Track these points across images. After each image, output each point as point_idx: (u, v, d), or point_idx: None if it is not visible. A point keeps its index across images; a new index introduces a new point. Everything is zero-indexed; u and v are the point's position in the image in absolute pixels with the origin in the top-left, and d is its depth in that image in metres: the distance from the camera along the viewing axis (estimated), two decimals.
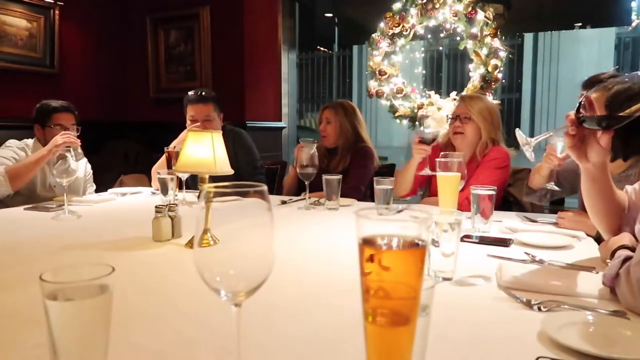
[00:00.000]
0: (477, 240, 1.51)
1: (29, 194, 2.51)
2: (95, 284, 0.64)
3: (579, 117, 1.12)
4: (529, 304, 0.95)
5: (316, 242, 1.58)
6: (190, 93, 2.74)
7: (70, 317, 0.62)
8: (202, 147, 1.38)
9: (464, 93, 3.56)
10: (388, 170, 2.88)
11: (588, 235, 1.58)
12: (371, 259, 0.49)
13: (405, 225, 0.50)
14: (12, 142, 2.55)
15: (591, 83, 1.72)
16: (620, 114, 1.07)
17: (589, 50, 10.95)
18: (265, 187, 0.62)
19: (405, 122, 3.88)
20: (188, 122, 2.70)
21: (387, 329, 0.50)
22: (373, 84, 3.95)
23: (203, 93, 2.70)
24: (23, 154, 2.51)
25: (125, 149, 4.12)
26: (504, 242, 1.48)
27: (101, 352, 0.65)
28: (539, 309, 0.93)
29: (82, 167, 2.67)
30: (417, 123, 3.78)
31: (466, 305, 0.99)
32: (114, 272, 0.65)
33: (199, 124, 2.60)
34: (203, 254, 0.61)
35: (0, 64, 3.59)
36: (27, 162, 2.31)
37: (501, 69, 3.63)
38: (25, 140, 2.59)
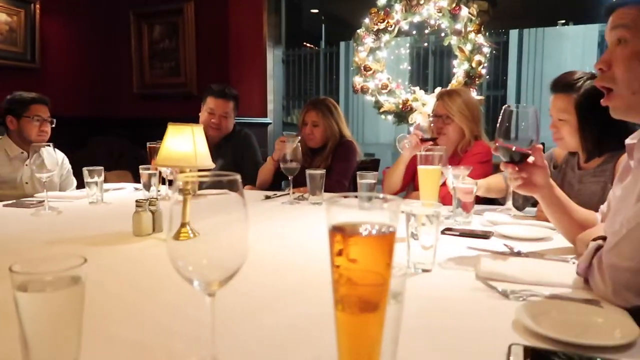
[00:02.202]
0: (458, 234, 1.52)
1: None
2: (67, 275, 0.63)
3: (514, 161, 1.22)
4: (505, 294, 0.96)
5: (299, 235, 1.59)
6: (214, 86, 2.85)
7: (41, 309, 0.62)
8: (183, 141, 1.37)
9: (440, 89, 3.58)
10: (372, 165, 2.89)
11: None
12: (340, 246, 0.49)
13: (374, 212, 0.50)
14: None
15: (562, 86, 1.71)
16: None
17: (573, 47, 11.06)
18: (238, 176, 0.62)
19: (390, 117, 3.89)
20: (204, 113, 2.79)
21: (356, 316, 0.50)
22: (358, 80, 3.95)
23: (227, 90, 2.83)
24: None
25: (109, 145, 4.07)
26: (484, 235, 1.50)
27: (74, 344, 0.64)
28: (515, 298, 0.95)
29: (59, 160, 2.62)
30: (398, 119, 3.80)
31: (444, 296, 1.00)
32: (85, 263, 0.64)
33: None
34: (177, 243, 0.61)
35: None
36: None
37: (485, 64, 3.65)
38: None
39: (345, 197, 0.53)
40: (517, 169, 1.21)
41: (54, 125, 2.58)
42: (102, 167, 2.15)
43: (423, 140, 2.17)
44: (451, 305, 0.95)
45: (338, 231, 0.50)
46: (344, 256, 0.49)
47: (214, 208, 0.67)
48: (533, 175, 1.22)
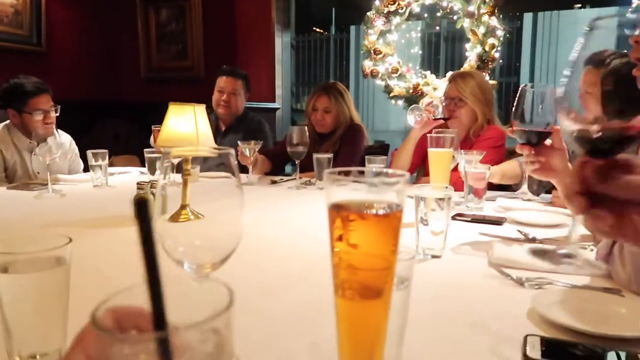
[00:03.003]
0: (469, 219, 1.47)
1: (13, 180, 2.42)
2: (51, 256, 0.59)
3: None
4: (520, 282, 0.91)
5: (304, 221, 1.54)
6: (224, 67, 2.95)
7: (22, 291, 0.58)
8: (184, 122, 1.33)
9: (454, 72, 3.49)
10: (381, 150, 2.83)
11: None
12: (340, 226, 0.45)
13: (378, 190, 0.45)
14: None
15: (593, 61, 1.71)
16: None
17: None
18: (232, 151, 0.57)
19: (400, 102, 3.81)
20: (215, 93, 2.86)
21: (357, 303, 0.46)
22: (368, 64, 3.87)
23: (235, 69, 2.94)
24: None
25: (116, 129, 4.05)
26: (497, 221, 1.44)
27: (59, 330, 0.61)
28: (530, 286, 0.90)
29: (65, 145, 2.57)
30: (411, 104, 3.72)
31: (455, 283, 0.95)
32: (70, 243, 0.60)
33: None
34: (167, 224, 0.57)
35: None
36: None
37: (498, 48, 3.56)
38: None
39: (347, 173, 0.47)
40: (533, 152, 1.15)
41: (58, 114, 2.43)
42: (106, 150, 2.12)
43: (435, 119, 2.10)
44: (462, 293, 0.90)
45: (338, 210, 0.45)
46: (344, 238, 0.44)
47: (209, 189, 0.63)
48: (551, 159, 1.16)
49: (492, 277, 0.97)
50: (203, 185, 0.67)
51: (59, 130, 2.02)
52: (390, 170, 0.46)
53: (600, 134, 0.53)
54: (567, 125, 0.56)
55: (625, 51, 1.36)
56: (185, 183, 0.63)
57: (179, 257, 0.57)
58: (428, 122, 2.08)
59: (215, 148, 0.57)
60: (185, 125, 1.32)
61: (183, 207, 0.63)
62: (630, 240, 0.58)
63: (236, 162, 0.59)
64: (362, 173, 0.47)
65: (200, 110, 1.35)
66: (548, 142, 1.16)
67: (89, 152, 2.10)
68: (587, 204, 0.48)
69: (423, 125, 2.10)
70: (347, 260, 0.45)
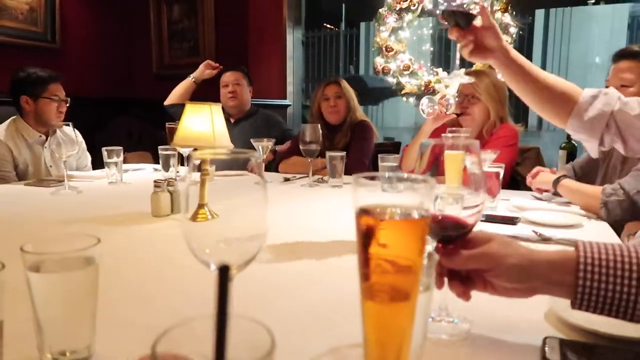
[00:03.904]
0: (483, 219, 1.47)
1: (24, 178, 2.42)
2: (80, 256, 0.61)
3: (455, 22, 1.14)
4: None
5: (318, 219, 1.55)
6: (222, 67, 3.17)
7: (53, 290, 0.59)
8: (201, 121, 1.34)
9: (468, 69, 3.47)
10: (393, 148, 2.84)
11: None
12: (368, 230, 0.45)
13: (405, 194, 0.46)
14: None
15: (629, 54, 1.81)
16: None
17: (601, 28, 10.69)
18: (256, 153, 0.58)
19: (411, 99, 3.81)
20: (222, 90, 3.03)
21: (386, 306, 0.47)
22: (379, 61, 3.86)
23: (234, 66, 3.14)
24: (4, 151, 2.29)
25: (129, 126, 4.08)
26: (511, 221, 1.44)
27: (88, 328, 0.62)
28: None
29: (73, 136, 2.57)
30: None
31: None
32: (99, 243, 0.62)
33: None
34: (193, 225, 0.58)
35: (1, 38, 3.54)
36: None
37: (511, 45, 3.53)
38: (3, 125, 2.36)
39: (372, 177, 0.48)
40: (463, 33, 1.14)
41: (68, 105, 2.46)
42: (121, 148, 2.14)
43: (446, 114, 2.10)
44: (479, 293, 0.90)
45: (366, 214, 0.46)
46: (373, 241, 0.45)
47: (232, 189, 0.63)
48: (483, 39, 1.14)
49: None
50: (223, 184, 0.67)
51: (75, 129, 2.02)
52: (418, 177, 0.46)
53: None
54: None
55: None
56: (203, 182, 0.64)
57: (205, 259, 0.58)
58: (440, 115, 2.08)
59: (240, 151, 0.58)
60: (202, 124, 1.33)
61: (201, 206, 0.63)
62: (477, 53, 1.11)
63: (261, 161, 0.59)
64: (389, 178, 0.48)
65: (217, 109, 1.36)
66: (478, 23, 1.15)
67: (104, 150, 2.12)
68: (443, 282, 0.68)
69: (435, 118, 2.10)
70: (375, 264, 0.45)
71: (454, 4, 1.13)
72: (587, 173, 1.97)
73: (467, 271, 0.66)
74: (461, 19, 1.13)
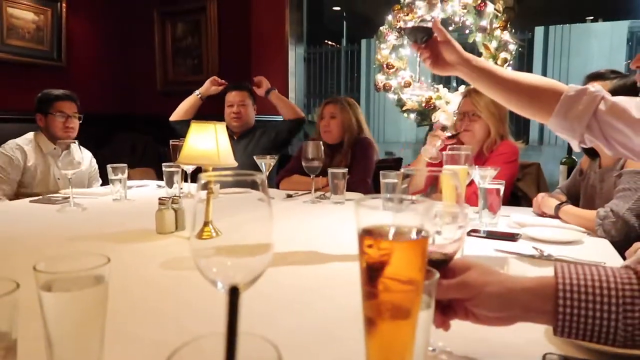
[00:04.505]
0: (484, 235, 1.48)
1: (31, 187, 2.50)
2: (91, 275, 0.62)
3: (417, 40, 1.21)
4: None
5: (321, 235, 1.57)
6: (229, 84, 3.21)
7: (64, 309, 0.61)
8: (205, 139, 1.36)
9: (465, 86, 3.51)
10: (395, 164, 2.86)
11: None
12: (370, 250, 0.47)
13: (406, 215, 0.48)
14: (7, 145, 2.50)
15: (595, 76, 1.82)
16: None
17: (600, 44, 10.79)
18: (263, 176, 0.60)
19: (412, 116, 3.84)
20: (226, 109, 3.06)
21: (387, 324, 0.48)
22: (380, 78, 3.90)
23: (240, 83, 3.16)
24: (18, 155, 2.46)
25: (133, 142, 4.11)
26: (511, 237, 1.45)
27: (97, 344, 0.64)
28: None
29: (86, 161, 2.66)
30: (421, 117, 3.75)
31: None
32: (109, 262, 0.63)
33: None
34: (200, 243, 0.60)
35: (8, 56, 3.60)
36: None
37: (511, 62, 3.57)
38: (25, 135, 2.57)
39: (374, 198, 0.50)
40: (420, 48, 1.21)
41: (81, 122, 2.61)
42: (125, 165, 2.17)
43: (448, 138, 2.14)
44: None
45: (368, 234, 0.48)
46: (374, 261, 0.47)
47: (238, 207, 0.65)
48: (440, 53, 1.18)
49: None
50: (228, 202, 0.68)
51: (81, 147, 2.11)
52: (419, 198, 0.48)
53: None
54: None
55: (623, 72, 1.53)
56: (208, 200, 0.66)
57: (212, 277, 0.59)
58: (444, 142, 2.13)
59: (247, 173, 0.60)
60: (207, 143, 1.36)
61: (206, 223, 0.65)
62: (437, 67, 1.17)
63: (266, 181, 0.61)
64: (390, 199, 0.50)
65: (222, 128, 1.38)
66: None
67: (109, 167, 2.15)
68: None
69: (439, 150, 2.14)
70: (377, 283, 0.47)
71: (414, 23, 1.20)
72: (573, 194, 2.02)
73: (448, 300, 0.65)
74: (417, 35, 1.19)
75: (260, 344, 0.40)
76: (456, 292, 0.63)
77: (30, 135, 2.57)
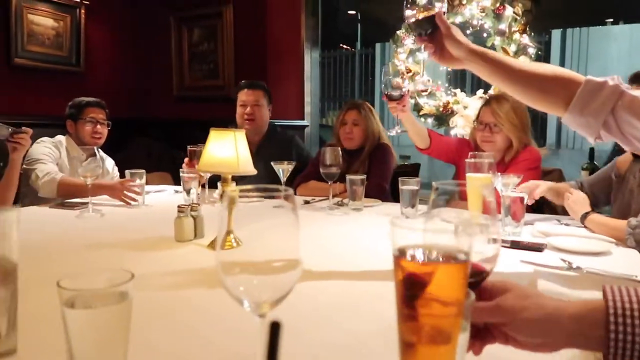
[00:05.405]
0: (508, 245, 1.45)
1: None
2: (115, 291, 0.61)
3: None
4: None
5: (341, 244, 1.54)
6: (242, 81, 2.91)
7: (88, 325, 0.60)
8: (225, 146, 1.35)
9: (490, 92, 3.46)
10: (413, 170, 2.82)
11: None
12: (409, 273, 0.45)
13: (446, 237, 0.45)
14: (45, 139, 2.56)
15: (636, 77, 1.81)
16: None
17: (619, 47, 10.61)
18: (291, 191, 0.58)
19: (430, 120, 3.80)
20: (238, 110, 2.82)
21: (427, 348, 0.46)
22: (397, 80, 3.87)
23: (254, 81, 2.89)
24: (57, 151, 2.52)
25: (149, 146, 4.14)
26: (537, 247, 1.42)
27: (119, 358, 0.62)
28: None
29: (109, 168, 2.68)
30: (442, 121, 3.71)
31: None
32: (133, 278, 0.62)
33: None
34: (226, 261, 0.58)
35: (28, 62, 3.65)
36: (79, 186, 2.16)
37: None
38: (57, 136, 2.62)
39: (413, 221, 0.48)
40: (426, 41, 1.17)
41: (109, 128, 2.65)
42: (143, 170, 2.18)
43: (388, 98, 2.07)
44: None
45: (407, 257, 0.45)
46: (413, 284, 0.45)
47: (265, 223, 0.63)
48: (445, 46, 1.14)
49: None
50: (260, 216, 0.65)
51: (104, 154, 2.14)
52: (458, 215, 0.46)
53: None
54: None
55: None
56: (230, 210, 0.64)
57: (238, 296, 0.58)
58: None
59: (275, 188, 0.58)
60: (226, 150, 1.35)
61: (228, 232, 0.63)
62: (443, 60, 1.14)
63: (295, 198, 0.60)
64: (429, 217, 0.48)
65: (241, 135, 1.37)
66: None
67: (127, 172, 2.16)
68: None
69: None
70: (416, 305, 0.45)
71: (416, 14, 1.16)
72: (597, 193, 1.94)
73: (484, 323, 0.60)
74: (422, 27, 1.15)
75: None
76: (490, 316, 0.59)
77: (62, 137, 2.61)
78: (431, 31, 1.15)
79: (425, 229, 0.47)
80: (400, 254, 0.46)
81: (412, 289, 0.45)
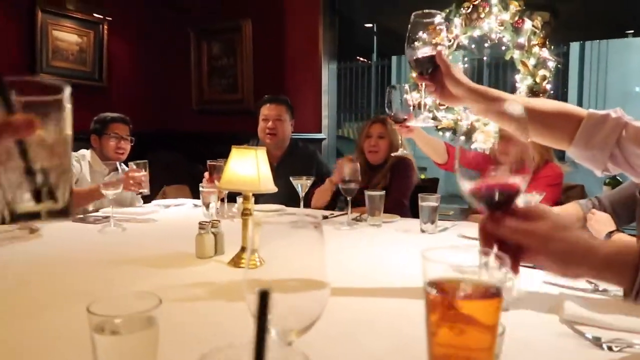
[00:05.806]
0: (530, 265, 1.42)
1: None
2: (143, 317, 0.62)
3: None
4: (597, 343, 0.87)
5: (360, 260, 1.54)
6: (265, 96, 2.96)
7: (117, 351, 0.61)
8: (246, 164, 1.36)
9: None
10: (431, 185, 2.80)
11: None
12: (440, 307, 0.45)
13: (480, 272, 0.45)
14: None
15: None
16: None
17: (639, 58, 10.47)
18: (319, 220, 0.59)
19: (447, 134, 3.78)
20: (260, 123, 2.85)
21: None
22: (415, 96, 3.86)
23: (277, 96, 2.94)
24: (78, 165, 2.57)
25: (168, 159, 4.19)
26: None
27: None
28: (610, 348, 0.86)
29: None
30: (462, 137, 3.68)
31: (525, 342, 0.92)
32: (161, 304, 0.63)
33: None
34: (252, 297, 0.58)
35: (53, 77, 3.73)
36: (83, 193, 2.25)
37: (550, 79, 3.49)
38: (81, 150, 2.68)
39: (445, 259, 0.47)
40: (426, 80, 1.17)
41: (132, 144, 2.73)
42: (146, 161, 2.24)
43: (395, 121, 2.06)
44: (537, 354, 0.87)
45: (439, 290, 0.45)
46: (445, 318, 0.44)
47: (292, 250, 0.63)
48: (446, 85, 1.13)
49: (566, 335, 0.93)
50: (288, 243, 0.65)
51: (125, 168, 2.18)
52: (487, 250, 0.45)
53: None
54: (463, 185, 0.70)
55: None
56: (245, 223, 0.64)
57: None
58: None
59: (305, 215, 0.58)
60: (247, 168, 1.35)
61: (253, 251, 0.63)
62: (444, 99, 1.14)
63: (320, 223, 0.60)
64: (457, 249, 0.47)
65: (262, 153, 1.38)
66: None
67: (131, 163, 2.22)
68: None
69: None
70: (448, 339, 0.44)
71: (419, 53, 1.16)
72: (619, 211, 1.89)
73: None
74: (423, 66, 1.15)
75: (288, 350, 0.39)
76: (522, 238, 0.62)
77: (86, 152, 2.66)
78: (432, 70, 1.16)
79: (460, 266, 0.46)
80: (430, 287, 0.45)
81: (443, 320, 0.44)
